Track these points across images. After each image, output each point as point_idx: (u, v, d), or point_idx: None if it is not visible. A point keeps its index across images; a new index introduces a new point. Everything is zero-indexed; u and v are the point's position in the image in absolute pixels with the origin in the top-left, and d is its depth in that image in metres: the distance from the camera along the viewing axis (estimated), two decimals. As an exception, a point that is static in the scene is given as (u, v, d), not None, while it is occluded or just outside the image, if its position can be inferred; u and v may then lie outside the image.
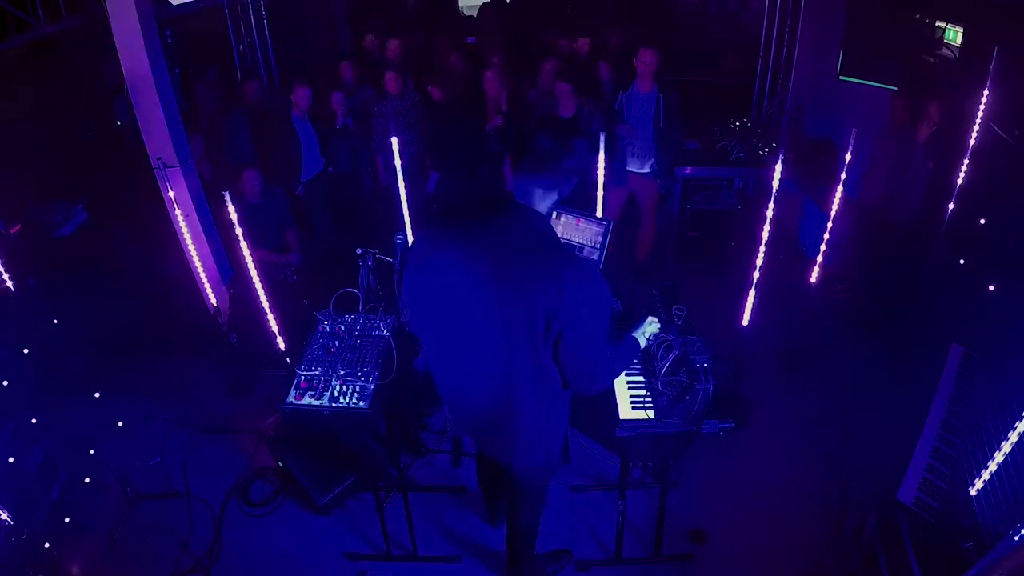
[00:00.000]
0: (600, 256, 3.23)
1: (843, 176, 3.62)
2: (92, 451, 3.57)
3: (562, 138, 1.93)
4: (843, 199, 3.71)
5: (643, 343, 2.34)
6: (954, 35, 4.48)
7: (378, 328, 2.73)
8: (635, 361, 2.59)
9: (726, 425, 2.39)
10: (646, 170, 4.68)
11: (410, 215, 3.50)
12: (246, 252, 3.47)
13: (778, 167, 3.38)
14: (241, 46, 6.01)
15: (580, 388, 2.08)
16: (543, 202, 1.95)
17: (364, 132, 5.16)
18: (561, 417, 2.23)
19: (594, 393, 2.13)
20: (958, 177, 3.85)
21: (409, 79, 5.37)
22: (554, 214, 2.13)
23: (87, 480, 3.42)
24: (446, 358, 2.16)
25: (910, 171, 4.25)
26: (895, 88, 4.75)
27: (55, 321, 3.88)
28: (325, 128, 5.00)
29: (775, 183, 3.42)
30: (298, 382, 2.51)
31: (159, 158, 3.72)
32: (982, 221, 3.85)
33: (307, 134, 4.88)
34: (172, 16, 5.25)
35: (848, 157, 3.55)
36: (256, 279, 3.54)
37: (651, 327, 2.38)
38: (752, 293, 3.61)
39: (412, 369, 2.93)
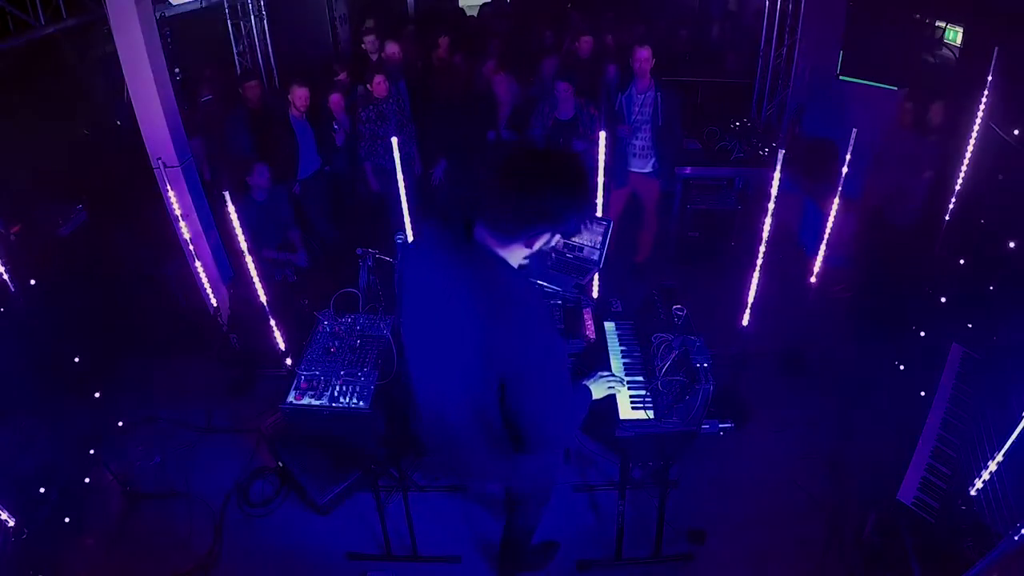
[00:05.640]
0: (600, 256, 3.23)
1: (843, 176, 3.62)
2: (92, 451, 3.57)
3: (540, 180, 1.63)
4: (843, 199, 3.71)
5: (599, 394, 2.20)
6: (954, 35, 4.48)
7: (378, 328, 2.72)
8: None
9: (726, 425, 2.39)
10: (648, 170, 4.68)
11: (409, 215, 3.50)
12: (246, 252, 3.47)
13: (778, 167, 3.38)
14: (241, 46, 6.02)
15: (534, 441, 1.89)
16: (500, 249, 1.73)
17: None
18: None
19: (552, 449, 2.04)
20: (958, 177, 3.85)
21: (400, 81, 5.35)
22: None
23: (87, 480, 3.42)
24: (415, 375, 2.07)
25: (913, 172, 4.25)
26: (895, 88, 4.75)
27: (55, 321, 3.88)
28: (323, 128, 5.01)
29: (775, 183, 3.42)
30: (298, 382, 2.51)
31: (159, 158, 3.72)
32: (982, 221, 3.85)
33: (304, 133, 4.89)
34: (172, 16, 5.26)
35: (848, 157, 3.55)
36: (256, 279, 3.54)
37: (605, 380, 2.23)
38: (752, 293, 3.61)
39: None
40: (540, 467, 2.19)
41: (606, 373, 2.27)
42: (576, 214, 1.70)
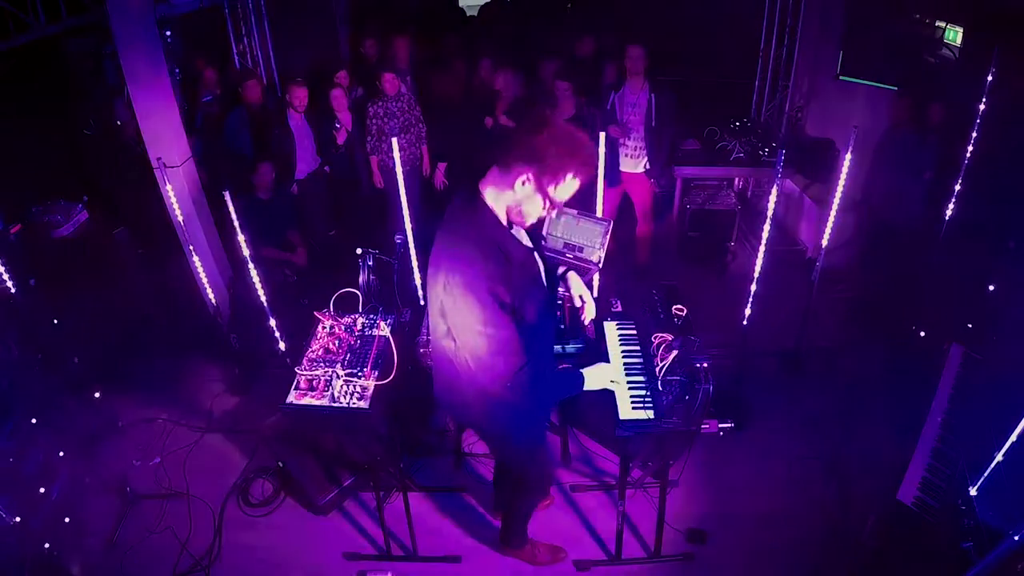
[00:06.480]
0: (600, 256, 3.23)
1: (843, 176, 3.63)
2: (92, 451, 3.56)
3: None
4: (843, 199, 3.72)
5: (592, 384, 2.25)
6: (954, 35, 4.47)
7: (378, 328, 2.72)
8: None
9: (726, 425, 2.39)
10: (640, 170, 4.68)
11: (410, 215, 3.50)
12: (246, 252, 3.47)
13: (778, 167, 3.38)
14: (241, 46, 6.02)
15: (483, 378, 2.03)
16: (493, 188, 1.94)
17: (359, 134, 5.17)
18: (506, 406, 2.15)
19: (508, 396, 2.07)
20: (958, 177, 3.85)
21: (408, 78, 5.36)
22: (554, 213, 2.07)
23: (87, 480, 3.42)
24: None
25: (911, 171, 4.25)
26: (895, 88, 4.75)
27: (55, 321, 3.88)
28: (324, 129, 5.01)
29: (775, 183, 3.42)
30: (298, 382, 2.51)
31: (159, 158, 3.71)
32: (982, 221, 3.85)
33: (303, 133, 4.89)
34: (172, 16, 5.26)
35: (848, 157, 3.55)
36: (256, 279, 3.54)
37: (603, 372, 2.28)
38: (752, 293, 3.61)
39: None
40: (508, 414, 2.19)
41: (608, 365, 2.30)
42: (559, 168, 1.84)
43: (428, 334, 2.87)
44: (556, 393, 2.27)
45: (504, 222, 1.96)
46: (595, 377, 2.24)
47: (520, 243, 2.03)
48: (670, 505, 2.89)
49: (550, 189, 1.86)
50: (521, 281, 1.97)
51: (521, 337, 1.96)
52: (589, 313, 2.39)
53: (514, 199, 1.90)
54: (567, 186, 1.88)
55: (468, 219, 1.94)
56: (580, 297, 2.42)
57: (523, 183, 1.85)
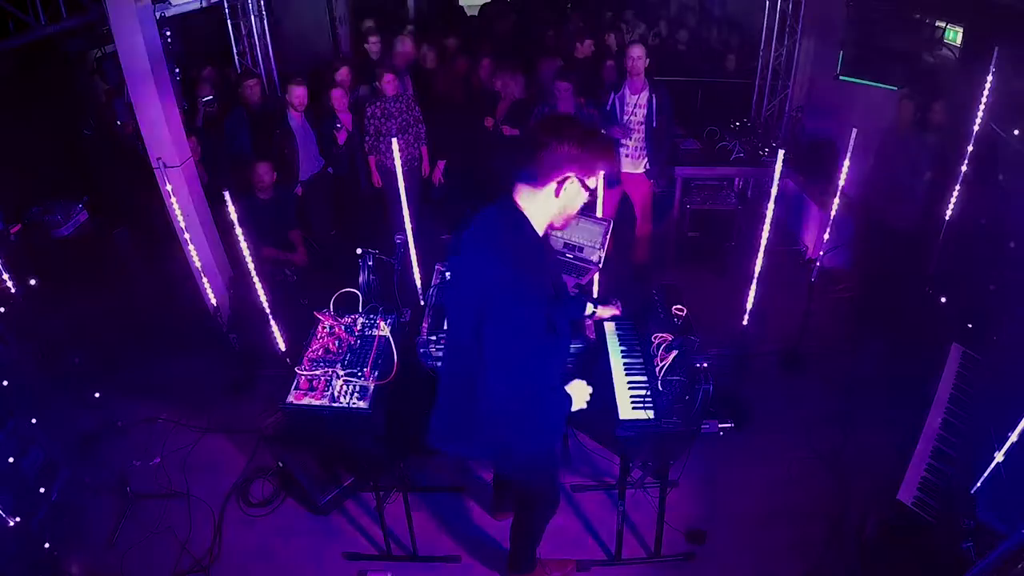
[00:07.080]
0: (600, 256, 3.24)
1: (843, 176, 3.63)
2: (92, 451, 3.56)
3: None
4: (843, 199, 3.71)
5: (576, 404, 2.17)
6: (954, 35, 4.48)
7: (378, 328, 2.73)
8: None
9: (726, 425, 2.39)
10: (640, 171, 4.67)
11: (410, 215, 3.49)
12: (246, 251, 3.47)
13: (778, 167, 3.38)
14: (241, 46, 6.02)
15: (498, 399, 1.95)
16: (530, 203, 1.91)
17: (359, 134, 5.17)
18: (518, 428, 2.10)
19: (515, 417, 2.01)
20: (958, 177, 3.85)
21: (407, 79, 5.36)
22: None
23: (87, 480, 3.42)
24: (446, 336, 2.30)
25: (912, 171, 4.26)
26: (895, 88, 4.76)
27: (55, 321, 3.88)
28: (325, 128, 5.01)
29: (775, 183, 3.42)
30: (298, 382, 2.51)
31: (159, 158, 3.71)
32: (982, 221, 3.85)
33: (305, 135, 4.88)
34: (172, 16, 5.26)
35: (848, 157, 3.55)
36: (256, 279, 3.54)
37: (577, 391, 2.18)
38: (752, 293, 3.61)
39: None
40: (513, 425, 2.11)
41: (579, 383, 2.20)
42: (597, 158, 1.89)
43: (428, 334, 2.89)
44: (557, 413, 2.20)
45: (540, 232, 1.95)
46: (576, 395, 2.17)
47: (554, 253, 2.05)
48: (670, 505, 2.89)
49: (589, 182, 1.92)
50: (556, 291, 2.00)
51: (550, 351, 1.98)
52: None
53: (559, 204, 1.91)
54: (597, 177, 1.97)
55: (508, 230, 1.92)
56: (617, 303, 2.57)
57: (567, 187, 1.87)
